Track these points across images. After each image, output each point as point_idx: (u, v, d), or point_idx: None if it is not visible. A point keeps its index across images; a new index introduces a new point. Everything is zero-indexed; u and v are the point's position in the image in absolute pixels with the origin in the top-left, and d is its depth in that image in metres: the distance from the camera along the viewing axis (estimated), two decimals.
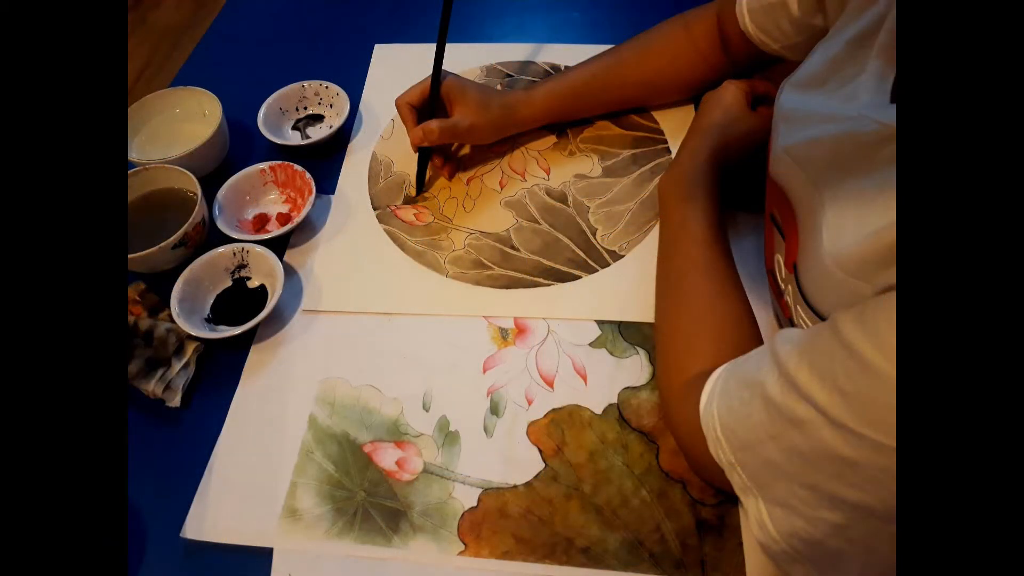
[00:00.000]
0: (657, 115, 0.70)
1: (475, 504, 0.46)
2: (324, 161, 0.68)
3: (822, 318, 0.37)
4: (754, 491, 0.35)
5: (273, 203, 0.64)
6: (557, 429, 0.49)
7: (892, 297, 0.28)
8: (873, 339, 0.28)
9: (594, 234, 0.61)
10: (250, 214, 0.63)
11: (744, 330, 0.46)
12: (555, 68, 0.76)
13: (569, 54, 0.76)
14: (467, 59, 0.76)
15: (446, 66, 0.61)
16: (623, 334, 0.54)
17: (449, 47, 0.60)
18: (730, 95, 0.58)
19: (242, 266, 0.58)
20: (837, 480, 0.30)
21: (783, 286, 0.43)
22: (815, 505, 0.31)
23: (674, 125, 0.68)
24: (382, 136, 0.71)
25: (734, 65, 0.64)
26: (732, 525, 0.44)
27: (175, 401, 0.51)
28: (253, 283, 0.58)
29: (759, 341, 0.46)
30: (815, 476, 0.31)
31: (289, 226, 0.60)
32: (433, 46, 0.59)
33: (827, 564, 0.33)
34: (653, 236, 0.60)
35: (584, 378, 0.52)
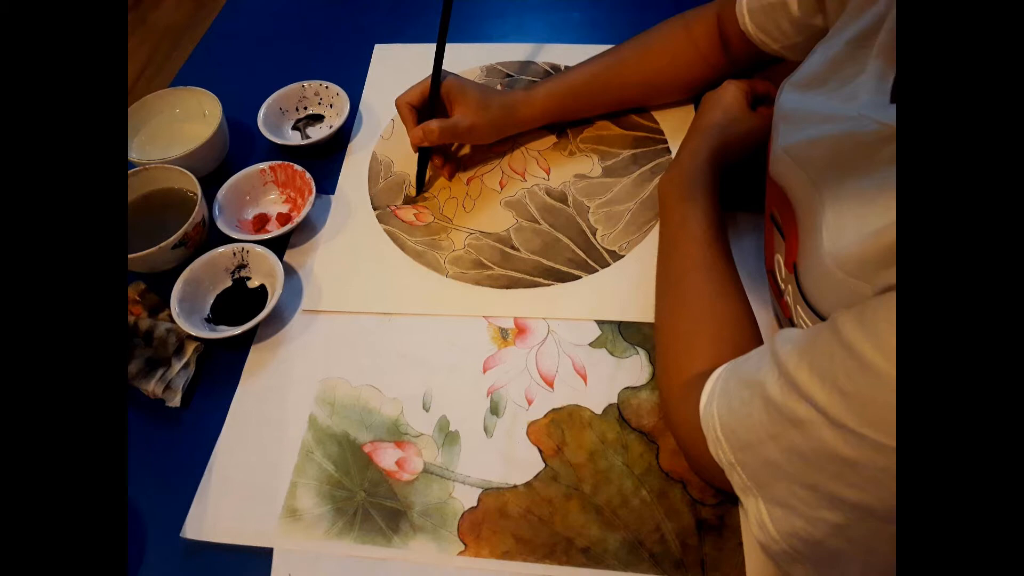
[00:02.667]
0: (657, 115, 0.70)
1: (475, 504, 0.46)
2: (324, 161, 0.68)
3: (822, 318, 0.37)
4: (754, 491, 0.35)
5: (273, 203, 0.64)
6: (557, 429, 0.49)
7: (892, 297, 0.28)
8: (873, 339, 0.28)
9: (594, 234, 0.61)
10: (250, 214, 0.63)
11: (744, 330, 0.46)
12: (555, 68, 0.76)
13: (569, 54, 0.76)
14: (467, 59, 0.76)
15: (446, 66, 0.61)
16: (623, 334, 0.54)
17: (449, 47, 0.60)
18: (730, 95, 0.58)
19: (242, 266, 0.58)
20: (837, 480, 0.30)
21: (783, 286, 0.43)
22: (815, 505, 0.31)
23: (674, 125, 0.68)
24: (382, 136, 0.71)
25: (734, 65, 0.64)
26: (732, 525, 0.44)
27: (175, 401, 0.51)
28: (253, 283, 0.58)
29: (759, 341, 0.46)
30: (815, 476, 0.31)
31: (289, 226, 0.60)
32: (433, 46, 0.59)
33: (827, 564, 0.33)
34: (653, 236, 0.60)
35: (584, 378, 0.52)
